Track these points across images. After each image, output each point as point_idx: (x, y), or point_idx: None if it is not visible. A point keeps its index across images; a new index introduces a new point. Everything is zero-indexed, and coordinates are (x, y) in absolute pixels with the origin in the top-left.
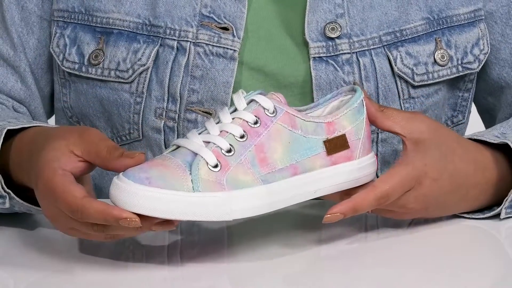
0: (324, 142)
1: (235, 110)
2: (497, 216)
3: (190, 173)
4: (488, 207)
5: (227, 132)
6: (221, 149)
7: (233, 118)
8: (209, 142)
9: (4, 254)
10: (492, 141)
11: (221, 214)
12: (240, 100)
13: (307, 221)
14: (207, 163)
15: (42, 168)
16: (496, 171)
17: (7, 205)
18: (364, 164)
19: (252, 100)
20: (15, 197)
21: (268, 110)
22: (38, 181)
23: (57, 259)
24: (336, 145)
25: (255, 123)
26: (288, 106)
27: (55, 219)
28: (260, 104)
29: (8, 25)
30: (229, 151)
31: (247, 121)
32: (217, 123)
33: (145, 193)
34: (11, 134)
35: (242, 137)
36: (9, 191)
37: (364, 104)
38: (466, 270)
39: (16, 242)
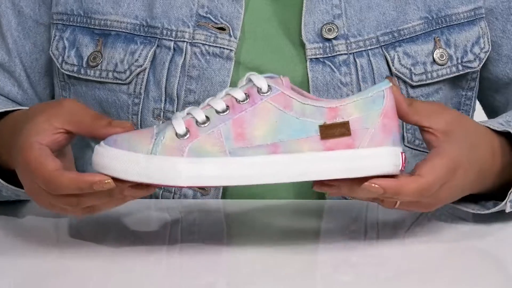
0: (320, 126)
1: None
2: (498, 218)
3: (155, 138)
4: (492, 198)
5: (210, 106)
6: (196, 120)
7: (226, 95)
8: (189, 114)
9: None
10: (496, 128)
11: (172, 178)
12: (242, 80)
13: (306, 220)
14: (175, 131)
15: (21, 144)
16: (502, 158)
17: None
18: (369, 154)
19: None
20: (1, 181)
21: (261, 89)
22: (19, 157)
23: (55, 253)
24: (334, 131)
25: (244, 100)
26: (289, 88)
27: (34, 194)
28: (254, 83)
29: (3, 31)
30: (203, 122)
31: (235, 98)
32: None
33: (108, 153)
34: None
35: (223, 111)
36: None
37: (386, 96)
38: (468, 277)
39: (11, 233)
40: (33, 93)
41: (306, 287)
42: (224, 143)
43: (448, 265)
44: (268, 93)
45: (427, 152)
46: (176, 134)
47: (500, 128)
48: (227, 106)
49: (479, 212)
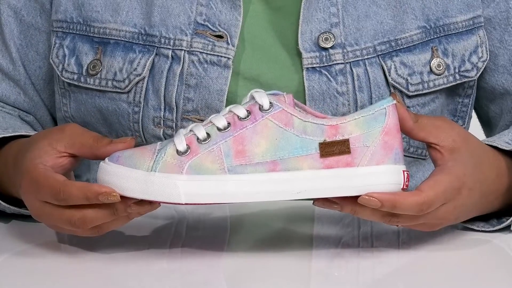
0: (320, 143)
1: None
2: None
3: (157, 154)
4: (496, 217)
5: (211, 122)
6: (197, 137)
7: (228, 112)
8: (191, 131)
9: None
10: (504, 148)
11: (171, 196)
12: (246, 97)
13: (303, 221)
14: (176, 148)
15: (25, 167)
16: (509, 179)
17: None
18: (368, 172)
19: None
20: (2, 202)
21: (262, 106)
22: (22, 179)
23: (55, 250)
24: (334, 149)
25: (245, 117)
26: (291, 105)
27: (42, 215)
28: (256, 100)
29: (6, 40)
30: (204, 139)
31: (237, 115)
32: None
33: (111, 170)
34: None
35: (224, 128)
36: None
37: (388, 114)
38: (463, 277)
39: (11, 234)
40: (40, 100)
41: (301, 286)
42: (224, 160)
43: (443, 265)
44: (269, 110)
45: (422, 159)
46: (177, 151)
47: (508, 147)
48: (229, 123)
49: (483, 229)
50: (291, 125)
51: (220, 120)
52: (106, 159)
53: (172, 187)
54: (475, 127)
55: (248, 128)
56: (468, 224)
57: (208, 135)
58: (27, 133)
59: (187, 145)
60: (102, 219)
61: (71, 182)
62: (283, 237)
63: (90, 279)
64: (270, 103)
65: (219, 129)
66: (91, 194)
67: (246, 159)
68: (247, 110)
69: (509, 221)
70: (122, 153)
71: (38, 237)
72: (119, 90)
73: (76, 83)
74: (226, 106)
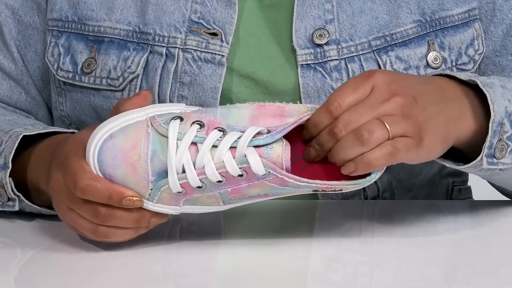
0: (314, 190)
1: (239, 136)
2: (493, 219)
3: (152, 188)
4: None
5: (204, 174)
6: (191, 185)
7: (222, 161)
8: (184, 172)
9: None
10: (462, 78)
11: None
12: (246, 141)
13: (301, 220)
14: (171, 189)
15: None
16: (462, 92)
17: (16, 207)
18: (351, 192)
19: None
20: (25, 200)
21: (258, 174)
22: (58, 170)
23: (50, 249)
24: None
25: (240, 175)
26: (285, 171)
27: (64, 206)
28: (250, 167)
29: (7, 40)
30: (199, 187)
31: (232, 175)
32: (220, 138)
33: None
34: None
35: (218, 181)
36: (19, 194)
37: (377, 177)
38: (462, 276)
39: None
40: (41, 99)
41: (298, 287)
42: (220, 198)
43: (442, 265)
44: (265, 176)
45: None
46: (171, 190)
47: (466, 78)
48: (223, 177)
49: (454, 166)
50: (286, 184)
51: (215, 176)
52: (97, 167)
53: (171, 213)
54: None
55: (243, 186)
56: (440, 159)
57: (203, 183)
58: (59, 129)
59: (182, 187)
60: (126, 221)
61: (100, 178)
62: (280, 239)
63: (85, 284)
64: (265, 171)
65: (212, 182)
66: (115, 194)
67: (241, 195)
68: (242, 170)
69: (478, 158)
70: (114, 170)
71: (33, 236)
72: (113, 88)
73: (71, 81)
74: (220, 103)
